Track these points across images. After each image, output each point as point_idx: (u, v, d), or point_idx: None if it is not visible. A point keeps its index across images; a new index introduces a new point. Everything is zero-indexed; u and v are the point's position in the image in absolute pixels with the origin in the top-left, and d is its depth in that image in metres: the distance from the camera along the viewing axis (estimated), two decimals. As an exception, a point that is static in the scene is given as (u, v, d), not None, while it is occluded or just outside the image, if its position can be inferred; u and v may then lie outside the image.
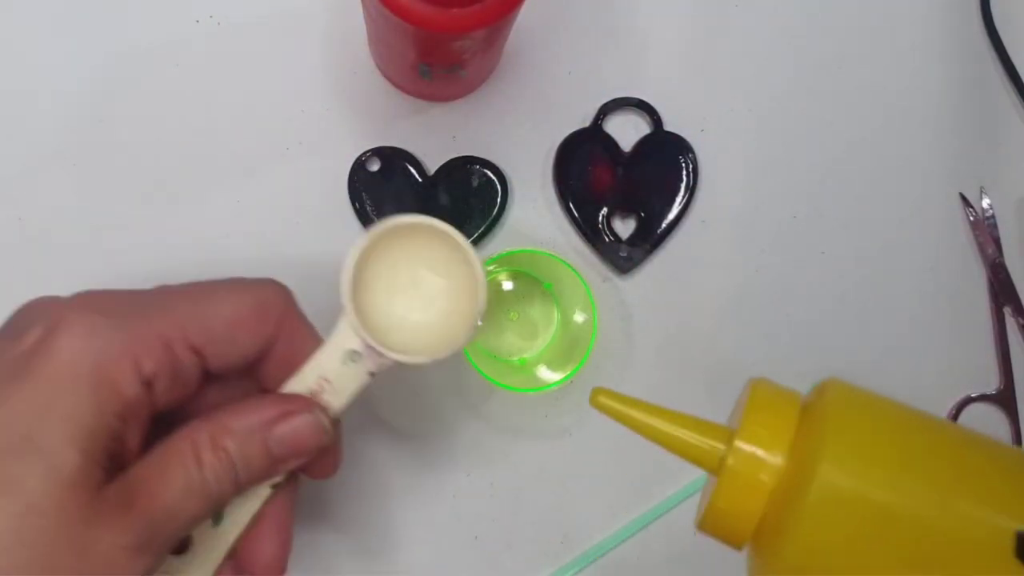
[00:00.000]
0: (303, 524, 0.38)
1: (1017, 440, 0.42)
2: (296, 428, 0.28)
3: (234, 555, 0.29)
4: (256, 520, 0.29)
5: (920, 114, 0.45)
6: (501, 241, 0.41)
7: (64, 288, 0.39)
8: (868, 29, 0.45)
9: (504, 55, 0.41)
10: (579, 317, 0.39)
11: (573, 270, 0.38)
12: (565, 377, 0.38)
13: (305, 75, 0.41)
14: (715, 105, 0.43)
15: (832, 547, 0.23)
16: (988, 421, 0.43)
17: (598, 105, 0.42)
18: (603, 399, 0.27)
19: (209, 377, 0.28)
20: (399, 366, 0.29)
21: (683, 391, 0.41)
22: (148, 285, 0.39)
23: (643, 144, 0.42)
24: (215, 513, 0.29)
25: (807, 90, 0.44)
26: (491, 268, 0.40)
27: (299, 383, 0.29)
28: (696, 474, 0.41)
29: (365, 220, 0.40)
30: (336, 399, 0.29)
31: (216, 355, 0.28)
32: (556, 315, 0.41)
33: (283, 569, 0.30)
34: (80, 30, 0.40)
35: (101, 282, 0.39)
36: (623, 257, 0.41)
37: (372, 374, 0.29)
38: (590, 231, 0.41)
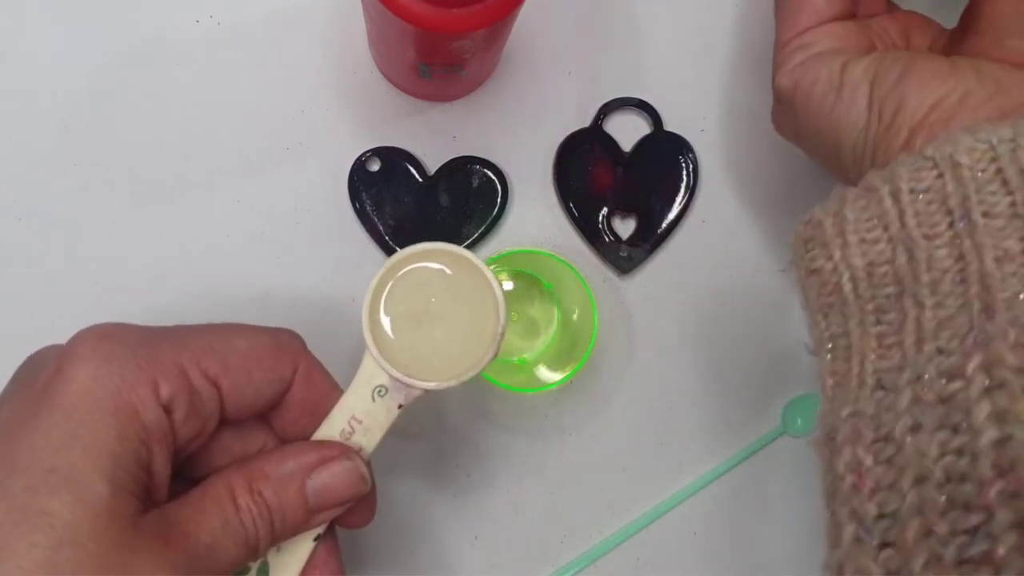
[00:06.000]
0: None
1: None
2: (335, 475, 0.28)
3: None
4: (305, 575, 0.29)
5: (920, 114, 0.45)
6: (501, 241, 0.41)
7: (64, 288, 0.39)
8: (868, 29, 0.45)
9: (504, 55, 0.41)
10: (579, 317, 0.39)
11: (573, 270, 0.38)
12: (565, 377, 0.38)
13: (305, 75, 0.41)
14: (715, 105, 0.43)
15: None
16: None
17: (598, 105, 0.42)
18: None
19: (226, 423, 0.28)
20: (427, 393, 0.29)
21: (683, 391, 0.41)
22: (148, 286, 0.40)
23: (643, 144, 0.42)
24: (259, 571, 0.29)
25: (807, 90, 0.44)
26: (491, 268, 0.40)
27: (330, 426, 0.29)
28: (696, 475, 0.41)
29: (365, 220, 0.40)
30: (368, 439, 0.29)
31: (232, 389, 0.27)
32: (556, 315, 0.41)
33: None
34: (80, 30, 0.40)
35: (101, 282, 0.39)
36: (623, 257, 0.41)
37: (401, 407, 0.29)
38: (590, 231, 0.41)
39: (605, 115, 0.42)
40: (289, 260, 0.40)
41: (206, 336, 0.27)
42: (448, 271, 0.29)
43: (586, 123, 0.42)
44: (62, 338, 0.28)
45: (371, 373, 0.29)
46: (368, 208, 0.40)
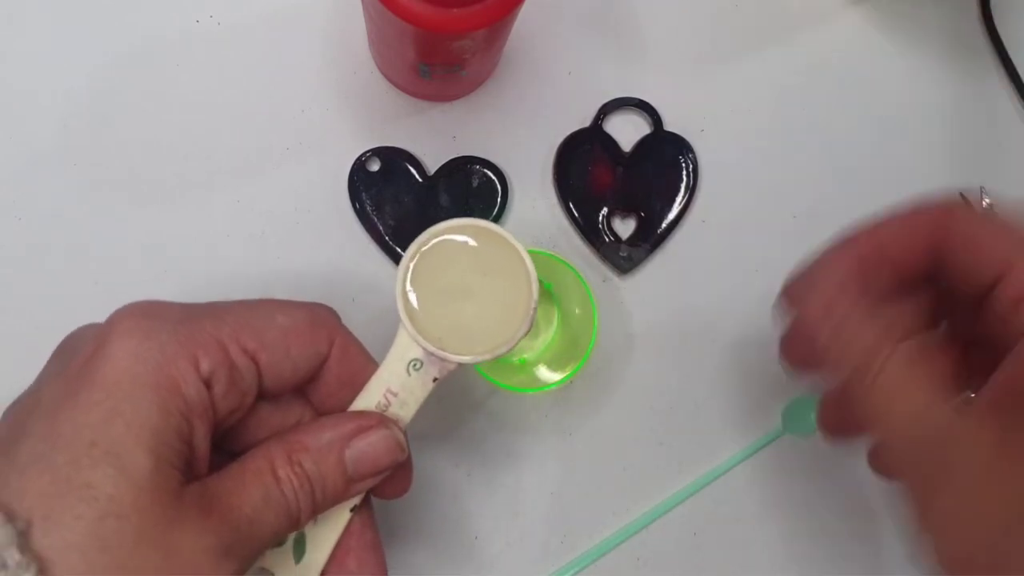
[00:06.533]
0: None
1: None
2: (372, 444, 0.28)
3: None
4: (341, 548, 0.29)
5: (920, 114, 0.45)
6: (501, 241, 0.41)
7: (64, 288, 0.39)
8: (868, 29, 0.45)
9: (504, 55, 0.42)
10: (579, 317, 0.39)
11: (573, 270, 0.38)
12: (565, 377, 0.38)
13: (305, 75, 0.41)
14: (715, 105, 0.43)
15: None
16: (988, 421, 0.43)
17: (598, 105, 0.42)
18: None
19: (264, 396, 0.28)
20: (461, 367, 0.29)
21: (683, 391, 0.41)
22: (148, 286, 0.40)
23: (643, 144, 0.42)
24: (296, 543, 0.29)
25: (807, 89, 0.44)
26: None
27: (366, 399, 0.29)
28: (696, 475, 0.41)
29: (365, 220, 0.40)
30: (404, 411, 0.30)
31: (270, 364, 0.27)
32: (556, 315, 0.41)
33: None
34: (80, 30, 0.40)
35: (101, 282, 0.39)
36: (623, 257, 0.41)
37: (436, 380, 0.29)
38: (590, 231, 0.41)
39: (605, 115, 0.42)
40: (289, 260, 0.40)
41: (244, 312, 0.27)
42: (480, 246, 0.30)
43: (586, 123, 0.42)
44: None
45: (405, 347, 0.29)
46: (368, 208, 0.40)
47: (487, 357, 0.29)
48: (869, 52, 0.45)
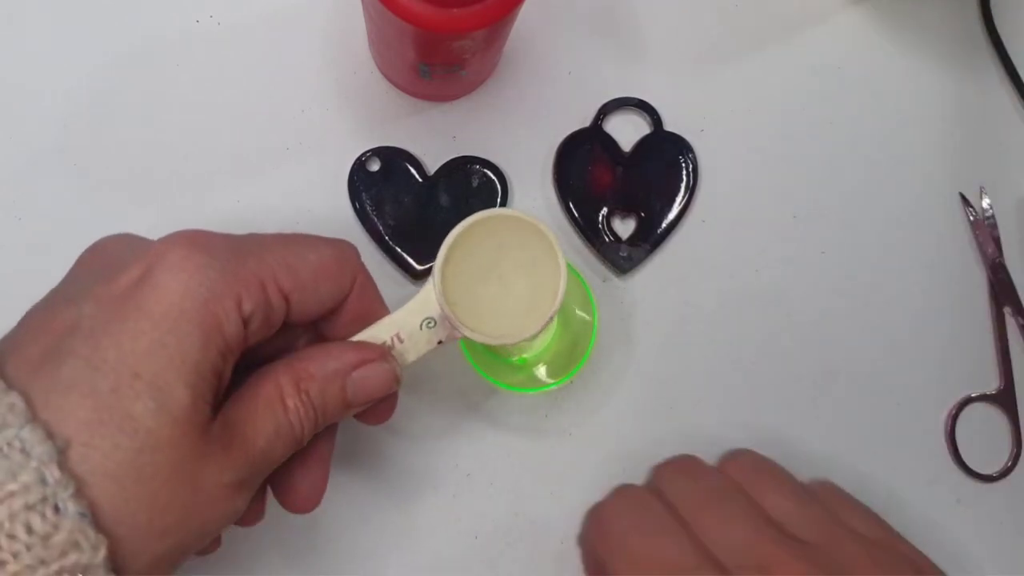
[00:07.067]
0: (301, 525, 0.38)
1: (1017, 440, 0.42)
2: (373, 374, 0.29)
3: (269, 483, 0.30)
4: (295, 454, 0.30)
5: (920, 113, 0.45)
6: (501, 241, 0.41)
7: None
8: (868, 29, 0.45)
9: (504, 55, 0.42)
10: (579, 317, 0.39)
11: (573, 270, 0.38)
12: (565, 377, 0.38)
13: (305, 75, 0.41)
14: (715, 105, 0.43)
15: None
16: (988, 421, 0.43)
17: (598, 105, 0.42)
18: None
19: (285, 328, 0.29)
20: (464, 340, 0.31)
21: (683, 391, 0.41)
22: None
23: (643, 144, 0.42)
24: None
25: (807, 90, 0.44)
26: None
27: (375, 333, 0.31)
28: (696, 474, 0.41)
29: (365, 220, 0.40)
30: (405, 356, 0.31)
31: (300, 302, 0.28)
32: (556, 315, 0.41)
33: (319, 502, 0.31)
34: (80, 30, 0.40)
35: (101, 282, 0.39)
36: (623, 257, 0.41)
37: (441, 343, 0.31)
38: (590, 231, 0.41)
39: (605, 115, 0.42)
40: (289, 260, 0.40)
41: (282, 250, 0.28)
42: (527, 245, 0.31)
43: (586, 123, 0.42)
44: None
45: (426, 303, 0.30)
46: (368, 208, 0.40)
47: (491, 342, 0.30)
48: (869, 52, 0.45)
